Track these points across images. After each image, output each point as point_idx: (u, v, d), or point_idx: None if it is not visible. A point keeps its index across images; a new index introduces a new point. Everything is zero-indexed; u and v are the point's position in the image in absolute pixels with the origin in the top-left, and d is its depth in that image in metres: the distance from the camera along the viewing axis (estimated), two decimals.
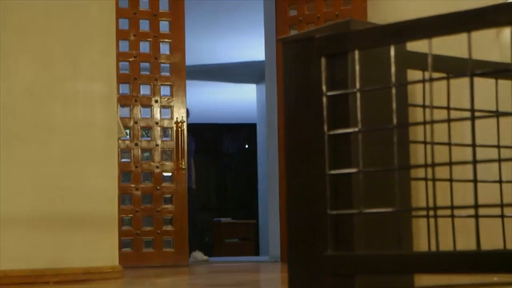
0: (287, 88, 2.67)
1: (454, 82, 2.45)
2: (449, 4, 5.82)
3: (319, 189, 2.45)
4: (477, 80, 2.65)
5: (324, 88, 2.44)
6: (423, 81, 2.40)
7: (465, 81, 2.49)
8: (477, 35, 2.41)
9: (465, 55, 2.30)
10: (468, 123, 2.23)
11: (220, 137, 20.59)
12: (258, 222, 15.69)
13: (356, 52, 2.39)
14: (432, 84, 2.32)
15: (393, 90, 2.35)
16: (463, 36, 2.21)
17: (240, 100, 17.19)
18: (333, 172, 2.41)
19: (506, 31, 2.02)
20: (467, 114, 2.20)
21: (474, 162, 2.21)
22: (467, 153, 2.61)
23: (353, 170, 2.38)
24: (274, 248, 9.73)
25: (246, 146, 19.96)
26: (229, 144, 20.85)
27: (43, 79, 5.84)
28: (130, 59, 8.01)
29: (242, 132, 20.12)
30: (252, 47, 12.62)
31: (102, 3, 5.95)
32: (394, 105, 2.34)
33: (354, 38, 2.39)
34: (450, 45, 2.90)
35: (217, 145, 20.69)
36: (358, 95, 2.39)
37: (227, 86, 16.28)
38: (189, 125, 8.48)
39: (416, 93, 2.95)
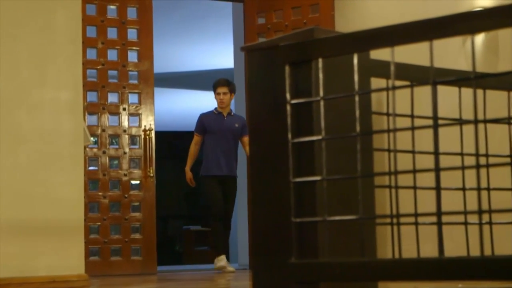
0: (251, 96, 2.67)
1: (423, 90, 2.47)
2: (416, 14, 5.86)
3: (283, 197, 2.45)
4: (446, 89, 2.67)
5: (288, 96, 2.45)
6: (386, 89, 2.41)
7: (431, 89, 2.51)
8: (444, 42, 2.43)
9: (434, 63, 2.31)
10: (443, 131, 2.24)
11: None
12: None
13: (320, 60, 2.40)
14: (395, 92, 2.33)
15: (357, 98, 2.36)
16: (433, 44, 2.23)
17: (210, 107, 17.17)
18: (297, 180, 2.42)
19: (472, 39, 2.04)
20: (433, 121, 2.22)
21: (437, 170, 2.22)
22: (442, 162, 2.63)
23: (317, 178, 2.38)
24: (243, 256, 9.74)
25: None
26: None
27: (9, 86, 5.80)
28: (98, 67, 7.98)
29: None
30: (221, 55, 12.62)
31: (69, 11, 5.93)
32: (357, 113, 2.35)
33: (318, 46, 2.40)
34: (419, 53, 2.92)
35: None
36: (322, 103, 2.39)
37: (197, 94, 16.26)
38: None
39: (383, 101, 2.96)
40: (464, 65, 6.04)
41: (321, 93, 2.40)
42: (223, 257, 8.45)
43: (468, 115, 2.42)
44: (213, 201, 8.36)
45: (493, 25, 2.14)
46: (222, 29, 11.04)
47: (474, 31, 2.15)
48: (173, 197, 19.73)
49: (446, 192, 2.87)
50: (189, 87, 15.77)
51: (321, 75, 2.40)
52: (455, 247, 2.96)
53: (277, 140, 2.51)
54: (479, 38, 5.75)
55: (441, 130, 2.24)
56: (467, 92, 2.70)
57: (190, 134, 20.85)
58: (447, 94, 3.00)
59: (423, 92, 2.58)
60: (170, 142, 19.20)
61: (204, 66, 14.06)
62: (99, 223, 7.99)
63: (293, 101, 2.45)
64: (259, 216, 2.58)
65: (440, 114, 2.72)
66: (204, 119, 8.55)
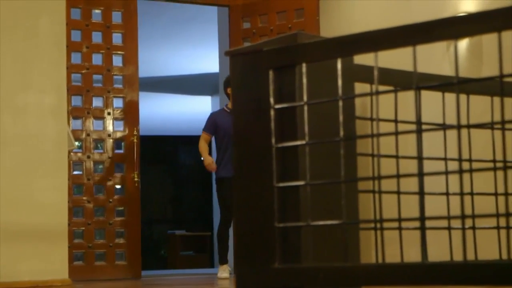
0: (235, 101, 2.67)
1: (407, 95, 2.47)
2: (401, 18, 5.87)
3: (266, 201, 2.45)
4: (430, 94, 2.68)
5: (272, 100, 2.45)
6: (370, 94, 2.41)
7: (422, 94, 2.51)
8: (428, 47, 2.43)
9: (419, 67, 2.31)
10: (427, 136, 2.24)
11: (176, 149, 20.54)
12: (214, 235, 15.66)
13: (304, 65, 2.40)
14: (379, 97, 2.33)
15: (340, 103, 2.36)
16: (418, 49, 2.23)
17: (196, 112, 17.17)
18: (280, 184, 2.41)
19: (455, 44, 2.05)
20: (424, 126, 2.22)
21: (420, 175, 2.22)
22: (426, 165, 2.63)
23: (300, 182, 2.38)
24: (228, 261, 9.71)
25: (202, 158, 19.93)
26: (185, 156, 20.81)
27: None
28: (83, 71, 7.96)
29: (198, 144, 20.08)
30: (206, 59, 12.61)
31: (53, 15, 5.91)
32: (341, 118, 2.35)
33: (301, 51, 2.40)
34: (404, 58, 2.92)
35: (173, 157, 20.64)
36: (306, 108, 2.39)
37: (182, 98, 16.25)
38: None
39: (368, 106, 2.96)
40: (448, 70, 6.05)
41: (305, 98, 2.40)
42: (225, 267, 8.14)
43: (453, 120, 2.42)
44: (221, 206, 8.14)
45: (475, 31, 2.15)
46: (207, 34, 11.03)
47: (457, 36, 2.15)
48: (158, 202, 19.71)
49: (431, 197, 2.87)
50: (174, 92, 15.76)
51: (304, 80, 2.40)
52: (439, 252, 2.96)
53: (260, 144, 2.51)
54: (463, 43, 5.77)
55: (425, 135, 2.24)
56: (452, 97, 2.70)
57: (175, 138, 20.87)
58: (433, 99, 3.01)
59: (408, 97, 2.58)
60: (155, 146, 19.19)
61: (189, 70, 14.05)
62: (84, 228, 7.96)
63: (277, 106, 2.45)
64: (243, 220, 2.58)
65: (425, 119, 2.72)
66: (217, 118, 8.21)
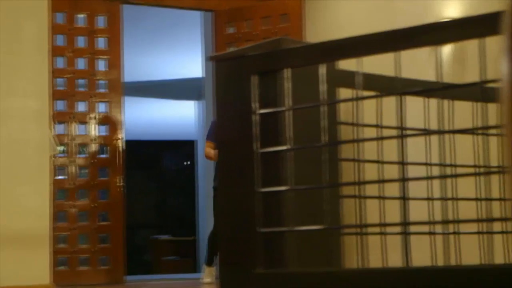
0: (219, 106, 2.67)
1: (392, 100, 2.47)
2: (386, 24, 5.89)
3: (249, 207, 2.45)
4: (415, 99, 2.69)
5: (255, 105, 2.45)
6: (352, 99, 2.42)
7: (406, 99, 2.51)
8: (413, 52, 2.44)
9: (403, 72, 2.32)
10: (412, 141, 2.25)
11: (161, 154, 20.51)
12: (198, 239, 15.64)
13: (287, 70, 2.41)
14: (362, 103, 2.34)
15: (323, 108, 2.37)
16: (402, 54, 2.24)
17: (180, 117, 17.16)
18: (263, 190, 2.42)
19: (438, 49, 2.05)
20: (411, 131, 2.23)
21: (402, 180, 2.23)
22: (410, 170, 2.63)
23: (283, 188, 2.39)
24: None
25: (186, 162, 19.92)
26: (170, 161, 20.79)
27: None
28: (67, 76, 7.93)
29: (182, 149, 20.06)
30: (191, 64, 12.60)
31: (36, 20, 5.90)
32: (324, 123, 2.35)
33: (285, 56, 2.41)
34: (388, 63, 2.93)
35: (158, 162, 20.61)
36: (288, 113, 2.40)
37: (167, 103, 16.22)
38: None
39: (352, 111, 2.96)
40: (432, 75, 6.07)
41: (288, 103, 2.41)
42: (211, 270, 8.03)
43: (438, 125, 2.42)
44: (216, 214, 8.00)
45: (457, 37, 2.16)
46: (192, 38, 11.02)
47: (439, 42, 2.17)
48: (143, 207, 19.67)
49: (415, 202, 2.88)
50: (159, 96, 15.73)
51: (288, 85, 2.41)
52: (423, 257, 2.97)
53: (244, 149, 2.52)
54: (447, 49, 5.79)
55: (410, 141, 2.25)
56: (436, 102, 2.71)
57: (160, 143, 20.77)
58: (417, 104, 3.02)
59: (392, 102, 2.59)
60: (140, 151, 19.15)
61: (173, 75, 14.03)
62: (67, 233, 7.93)
63: (260, 111, 2.46)
64: (226, 226, 2.58)
65: (410, 124, 2.73)
66: None
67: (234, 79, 2.59)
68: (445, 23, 2.10)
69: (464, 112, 2.98)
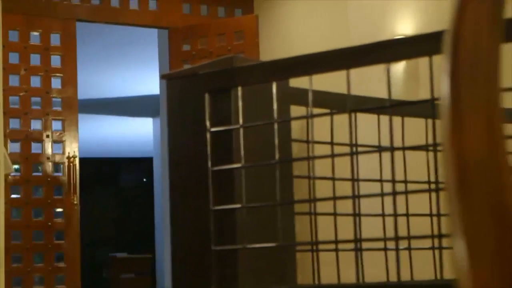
0: (171, 124, 2.67)
1: (346, 117, 2.49)
2: (340, 41, 5.91)
3: (203, 224, 2.45)
4: (369, 116, 2.71)
5: (208, 123, 2.45)
6: (305, 117, 2.43)
7: (361, 116, 2.53)
8: (367, 69, 2.46)
9: (359, 89, 2.34)
10: (366, 158, 2.27)
11: (119, 171, 20.44)
12: (155, 257, 15.57)
13: (239, 88, 2.41)
14: (313, 120, 2.35)
15: (276, 126, 2.38)
16: (358, 71, 2.26)
17: (138, 134, 17.12)
18: (217, 207, 2.42)
19: (388, 67, 2.07)
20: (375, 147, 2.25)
21: (354, 197, 2.24)
22: (365, 187, 2.65)
23: (237, 205, 2.39)
24: (170, 283, 9.66)
25: (144, 180, 19.86)
26: (127, 178, 20.72)
27: None
28: (21, 94, 7.88)
29: (140, 166, 20.01)
30: (148, 81, 12.59)
31: None
32: (276, 141, 2.36)
33: (237, 74, 2.42)
34: (342, 80, 2.95)
35: (115, 179, 20.53)
36: (241, 131, 2.41)
37: (124, 120, 16.18)
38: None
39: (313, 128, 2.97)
40: (386, 92, 6.11)
41: (241, 121, 2.42)
42: None
43: (395, 142, 2.44)
44: None
45: (407, 55, 2.18)
46: (148, 55, 11.01)
47: (389, 60, 2.19)
48: (101, 224, 19.57)
49: (369, 219, 2.90)
50: (115, 113, 15.68)
51: (240, 103, 2.41)
52: (377, 272, 2.99)
53: (197, 167, 2.52)
54: (400, 66, 5.85)
55: (364, 157, 2.27)
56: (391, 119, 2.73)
57: (117, 160, 20.66)
58: (370, 121, 3.04)
59: (346, 119, 2.61)
60: (98, 168, 19.06)
61: (130, 92, 14.00)
62: (22, 252, 7.85)
63: (213, 129, 2.46)
64: (180, 244, 2.58)
65: (364, 141, 2.75)
66: None
67: (186, 97, 2.59)
68: (394, 41, 2.13)
69: (418, 129, 3.01)
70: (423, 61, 2.22)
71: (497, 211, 0.69)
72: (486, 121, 0.76)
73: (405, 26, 6.18)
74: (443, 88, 0.81)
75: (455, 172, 0.73)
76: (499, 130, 0.76)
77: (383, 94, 3.33)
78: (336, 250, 2.70)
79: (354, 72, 2.28)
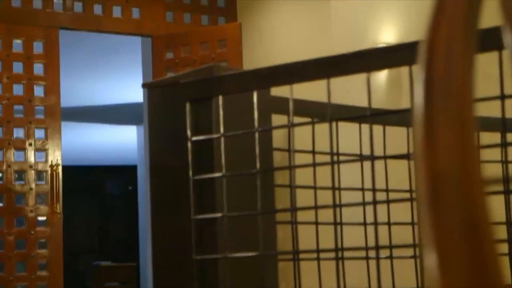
0: (152, 133, 2.67)
1: (327, 126, 2.49)
2: (322, 50, 5.93)
3: (184, 234, 2.44)
4: (351, 125, 2.71)
5: (189, 133, 2.45)
6: (286, 126, 2.43)
7: (344, 125, 2.54)
8: (350, 77, 2.47)
9: (342, 98, 2.34)
10: (348, 167, 2.27)
11: (103, 179, 20.39)
12: (139, 265, 15.54)
13: (220, 97, 2.41)
14: (294, 129, 2.35)
15: (256, 135, 2.38)
16: (341, 80, 2.26)
17: (121, 142, 17.09)
18: (198, 217, 2.41)
19: (368, 76, 2.07)
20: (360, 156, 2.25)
21: (335, 206, 2.24)
22: (348, 196, 2.66)
23: (218, 215, 2.38)
24: None
25: (130, 188, 19.82)
26: (112, 186, 20.68)
27: None
28: (3, 102, 7.85)
29: (124, 174, 19.97)
30: (131, 89, 12.57)
31: None
32: (257, 150, 2.36)
33: (217, 83, 2.41)
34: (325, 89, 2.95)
35: (99, 187, 20.48)
36: (222, 140, 2.40)
37: (108, 128, 16.15)
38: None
39: (295, 137, 2.98)
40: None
41: (222, 130, 2.41)
42: None
43: (376, 151, 2.44)
44: None
45: (387, 64, 2.19)
46: (132, 63, 11.00)
47: (369, 69, 2.19)
48: (85, 232, 19.51)
49: (351, 228, 2.90)
50: (99, 121, 15.65)
51: (221, 112, 2.41)
52: (359, 281, 2.99)
53: (178, 177, 2.51)
54: (383, 74, 5.86)
55: (346, 166, 2.27)
56: (375, 128, 2.74)
57: (101, 168, 20.62)
58: (352, 130, 3.04)
59: (327, 128, 2.61)
60: (82, 176, 19.00)
61: (113, 100, 13.98)
62: (5, 261, 7.82)
63: (194, 138, 2.46)
64: (160, 253, 2.57)
65: (346, 149, 2.75)
66: None
67: (167, 106, 2.58)
68: (375, 50, 2.13)
69: (400, 138, 3.01)
70: (406, 70, 2.23)
71: (468, 223, 0.69)
72: (458, 132, 0.76)
73: (388, 34, 6.20)
74: (416, 98, 0.81)
75: (426, 183, 0.73)
76: (472, 142, 0.76)
77: (365, 103, 3.34)
78: (318, 259, 2.69)
79: (339, 81, 2.28)
